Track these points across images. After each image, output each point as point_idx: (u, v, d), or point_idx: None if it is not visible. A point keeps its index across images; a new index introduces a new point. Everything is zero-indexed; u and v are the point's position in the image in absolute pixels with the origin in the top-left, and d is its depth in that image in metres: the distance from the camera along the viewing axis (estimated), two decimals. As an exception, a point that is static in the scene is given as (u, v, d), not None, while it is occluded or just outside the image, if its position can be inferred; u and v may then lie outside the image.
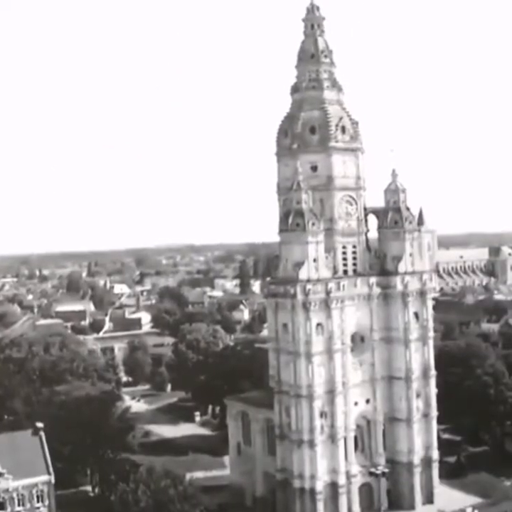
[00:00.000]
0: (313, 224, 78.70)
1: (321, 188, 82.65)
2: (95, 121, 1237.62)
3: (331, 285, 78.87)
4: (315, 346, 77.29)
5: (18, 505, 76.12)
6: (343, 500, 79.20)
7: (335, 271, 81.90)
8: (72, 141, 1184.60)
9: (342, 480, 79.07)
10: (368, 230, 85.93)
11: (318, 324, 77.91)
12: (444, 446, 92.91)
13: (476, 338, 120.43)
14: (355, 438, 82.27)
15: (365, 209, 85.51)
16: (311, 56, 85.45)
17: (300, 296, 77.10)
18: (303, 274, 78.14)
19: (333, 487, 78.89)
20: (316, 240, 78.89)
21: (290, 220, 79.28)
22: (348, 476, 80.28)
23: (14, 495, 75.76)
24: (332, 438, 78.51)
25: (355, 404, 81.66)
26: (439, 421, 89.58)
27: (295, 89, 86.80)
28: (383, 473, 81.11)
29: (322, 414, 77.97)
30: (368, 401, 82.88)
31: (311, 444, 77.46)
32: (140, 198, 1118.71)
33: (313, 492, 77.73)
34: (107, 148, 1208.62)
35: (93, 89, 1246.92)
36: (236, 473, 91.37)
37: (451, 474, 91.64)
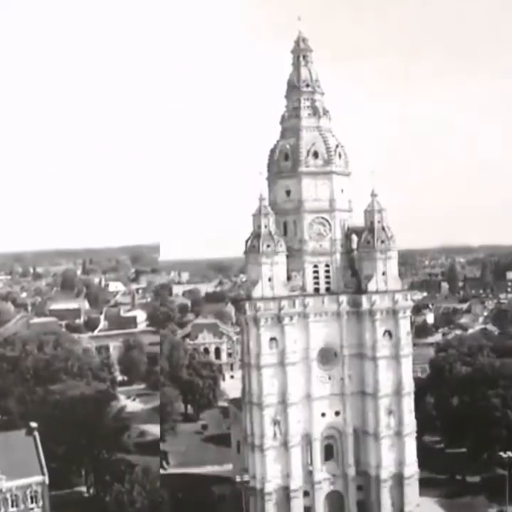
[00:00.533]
0: (268, 246, 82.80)
1: (292, 211, 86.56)
2: (90, 119, 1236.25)
3: (284, 303, 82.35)
4: (264, 359, 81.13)
5: (12, 506, 75.73)
6: (296, 504, 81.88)
7: (303, 289, 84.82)
8: (66, 139, 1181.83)
9: (294, 485, 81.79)
10: (352, 250, 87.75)
11: (273, 338, 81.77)
12: (448, 464, 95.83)
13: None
14: (331, 447, 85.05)
15: (348, 229, 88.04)
16: (294, 86, 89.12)
17: (249, 313, 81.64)
18: (257, 292, 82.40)
19: (286, 491, 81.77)
20: (270, 260, 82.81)
21: (248, 243, 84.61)
22: (312, 482, 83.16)
23: (8, 496, 75.47)
24: (285, 445, 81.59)
25: (323, 415, 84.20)
26: (447, 441, 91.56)
27: (282, 119, 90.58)
28: (356, 484, 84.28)
29: (275, 423, 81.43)
30: (337, 413, 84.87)
31: (262, 448, 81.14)
32: (135, 195, 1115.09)
33: (262, 493, 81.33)
34: (102, 146, 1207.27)
35: (87, 86, 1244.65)
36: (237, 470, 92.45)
37: (449, 495, 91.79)
